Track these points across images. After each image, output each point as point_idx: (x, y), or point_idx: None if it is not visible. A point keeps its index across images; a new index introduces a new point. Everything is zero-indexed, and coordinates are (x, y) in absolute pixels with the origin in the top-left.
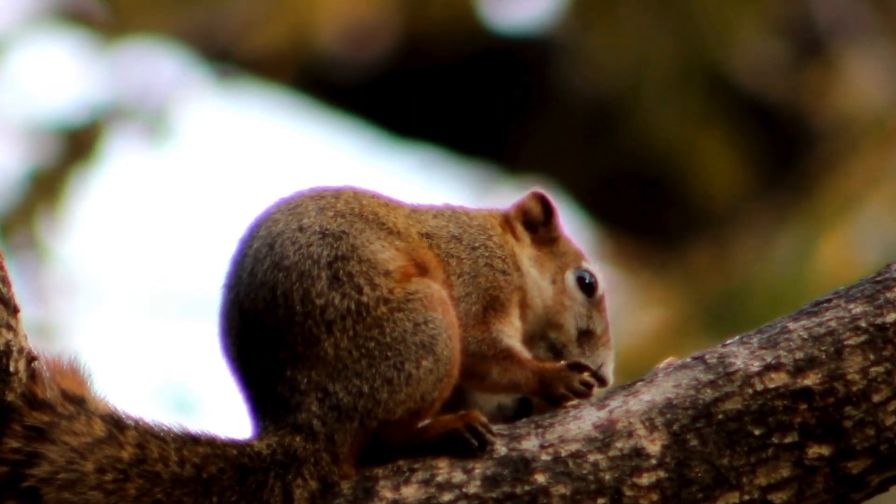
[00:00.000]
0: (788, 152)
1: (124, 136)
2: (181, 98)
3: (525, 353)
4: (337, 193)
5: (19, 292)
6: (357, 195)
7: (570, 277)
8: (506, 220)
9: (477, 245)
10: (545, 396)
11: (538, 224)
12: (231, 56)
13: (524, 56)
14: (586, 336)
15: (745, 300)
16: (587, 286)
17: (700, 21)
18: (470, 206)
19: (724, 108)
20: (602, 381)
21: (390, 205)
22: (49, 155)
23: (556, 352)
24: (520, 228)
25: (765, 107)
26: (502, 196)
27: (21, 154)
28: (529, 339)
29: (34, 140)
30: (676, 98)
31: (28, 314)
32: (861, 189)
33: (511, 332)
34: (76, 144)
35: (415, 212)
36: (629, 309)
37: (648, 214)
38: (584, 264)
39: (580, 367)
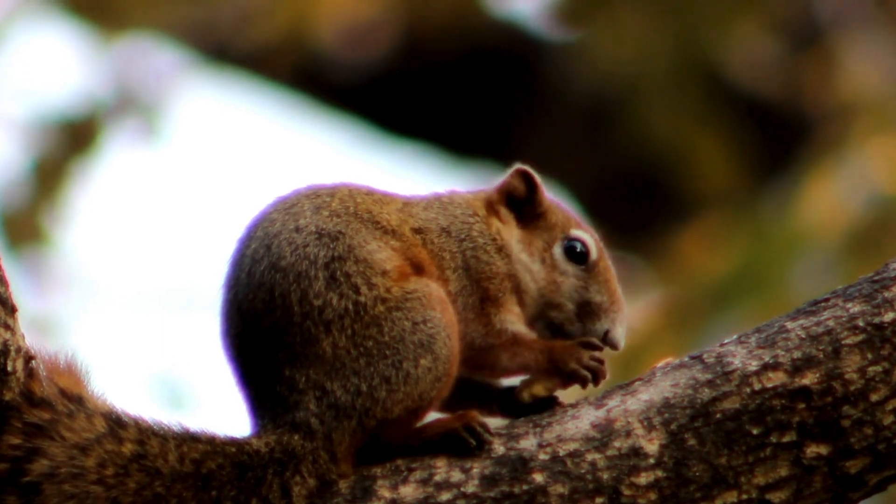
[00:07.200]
0: (786, 148)
1: (122, 129)
2: (177, 92)
3: (530, 335)
4: (332, 192)
5: (21, 288)
6: (352, 193)
7: (557, 251)
8: (489, 204)
9: (463, 237)
10: (556, 373)
11: (523, 202)
12: (229, 52)
13: (523, 54)
14: (586, 308)
15: (738, 268)
16: (578, 255)
17: (697, 18)
18: (457, 191)
19: (722, 106)
20: (612, 346)
21: (383, 200)
22: (49, 147)
23: (555, 329)
24: (503, 211)
25: (763, 105)
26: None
27: (22, 147)
28: (530, 323)
29: (34, 133)
30: (674, 95)
31: (30, 309)
32: (846, 142)
33: (513, 319)
34: (76, 136)
35: (406, 205)
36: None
37: (648, 215)
38: (573, 232)
39: (591, 346)
